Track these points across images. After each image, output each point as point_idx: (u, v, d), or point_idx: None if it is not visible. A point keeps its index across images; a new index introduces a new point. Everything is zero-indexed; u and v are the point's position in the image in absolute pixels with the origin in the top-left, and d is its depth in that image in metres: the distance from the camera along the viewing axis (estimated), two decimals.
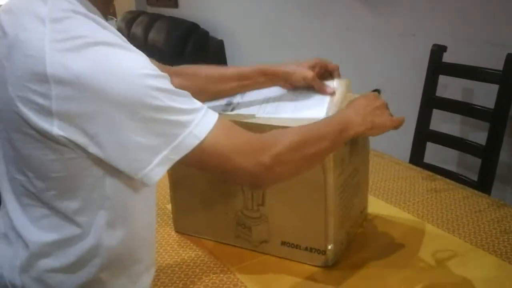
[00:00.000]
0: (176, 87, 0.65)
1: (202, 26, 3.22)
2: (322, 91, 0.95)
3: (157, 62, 0.98)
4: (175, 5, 3.68)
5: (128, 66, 0.61)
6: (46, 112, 0.60)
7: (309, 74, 0.94)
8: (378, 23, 2.01)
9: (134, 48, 0.64)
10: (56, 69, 0.58)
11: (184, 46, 3.14)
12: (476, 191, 1.19)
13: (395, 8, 1.93)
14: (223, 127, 0.67)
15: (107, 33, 0.63)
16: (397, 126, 0.85)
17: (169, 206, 1.08)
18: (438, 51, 1.59)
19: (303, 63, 0.96)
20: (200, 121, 0.64)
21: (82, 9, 0.63)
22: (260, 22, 2.80)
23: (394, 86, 1.88)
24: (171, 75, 0.90)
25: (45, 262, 0.69)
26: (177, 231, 1.06)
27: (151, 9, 4.05)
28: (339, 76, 0.99)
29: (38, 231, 0.69)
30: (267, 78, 0.96)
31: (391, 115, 0.86)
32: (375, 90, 0.92)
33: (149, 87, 0.61)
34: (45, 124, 0.61)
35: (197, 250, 0.99)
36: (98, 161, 0.64)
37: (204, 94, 0.92)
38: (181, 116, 0.63)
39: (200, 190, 1.00)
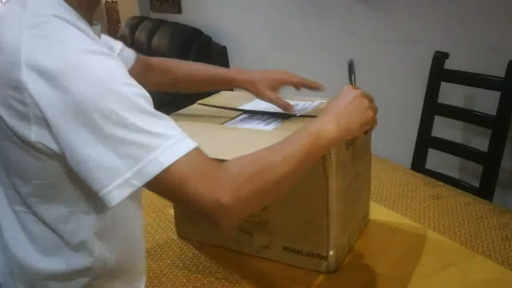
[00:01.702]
0: (145, 82, 0.63)
1: (205, 32, 3.24)
2: (286, 109, 0.98)
3: (131, 50, 1.01)
4: (179, 11, 3.70)
5: (102, 74, 0.59)
6: (25, 119, 0.60)
7: (272, 96, 0.98)
8: (381, 29, 2.02)
9: (113, 55, 0.62)
10: (30, 76, 0.57)
11: (187, 52, 3.15)
12: (478, 198, 1.19)
13: (397, 15, 1.93)
14: (192, 158, 0.61)
15: (86, 38, 0.61)
16: (373, 124, 0.79)
17: (172, 212, 1.09)
18: (440, 57, 1.60)
19: (266, 81, 0.98)
20: (169, 148, 0.59)
21: (63, 14, 0.62)
22: (263, 28, 2.81)
23: (396, 92, 1.88)
24: (143, 67, 0.91)
25: (35, 270, 0.69)
26: (179, 237, 1.06)
27: (154, 15, 4.07)
28: (314, 86, 1.01)
29: (26, 238, 0.69)
30: (232, 85, 1.02)
31: (372, 107, 0.78)
32: (349, 64, 0.89)
33: (120, 98, 0.58)
34: (25, 131, 0.60)
35: (200, 255, 0.99)
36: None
37: (171, 89, 1.01)
38: (149, 139, 0.59)
39: None
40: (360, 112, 0.76)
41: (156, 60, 1.04)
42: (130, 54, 0.99)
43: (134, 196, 0.66)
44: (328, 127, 0.72)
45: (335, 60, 2.28)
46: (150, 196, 1.27)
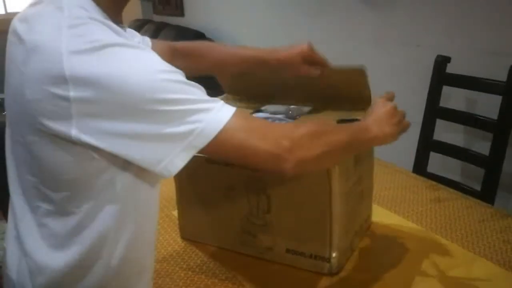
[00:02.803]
0: (180, 68, 0.67)
1: (207, 34, 3.25)
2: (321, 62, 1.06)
3: (160, 41, 1.02)
4: (181, 14, 3.71)
5: (144, 64, 0.63)
6: (65, 114, 0.61)
7: (300, 65, 1.02)
8: (383, 32, 2.02)
9: (148, 49, 0.66)
10: (74, 70, 0.60)
11: None
12: (479, 201, 1.20)
13: (399, 18, 1.94)
14: (241, 115, 0.68)
15: (122, 37, 0.64)
16: (407, 127, 0.90)
17: (175, 213, 1.10)
18: (442, 61, 1.61)
19: (293, 50, 1.03)
20: (220, 109, 0.65)
21: (98, 16, 0.65)
22: (265, 30, 2.82)
23: (398, 96, 1.88)
24: (176, 55, 0.92)
25: (51, 267, 0.70)
26: (182, 238, 1.07)
27: (157, 18, 4.08)
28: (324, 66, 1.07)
29: (42, 238, 0.69)
30: (260, 66, 1.01)
31: (400, 112, 0.89)
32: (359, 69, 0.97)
33: (167, 81, 0.63)
34: (63, 126, 0.62)
35: (203, 256, 1.00)
36: (111, 161, 0.65)
37: (204, 73, 0.99)
38: (202, 104, 0.64)
39: (206, 197, 1.02)
40: (394, 120, 0.86)
41: (184, 46, 1.05)
42: (146, 40, 0.99)
43: (154, 192, 0.73)
44: (372, 127, 0.82)
45: (336, 62, 2.28)
46: None
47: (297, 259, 0.93)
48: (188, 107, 0.63)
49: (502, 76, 1.44)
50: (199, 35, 3.25)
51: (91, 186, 0.67)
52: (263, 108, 1.08)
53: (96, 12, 0.66)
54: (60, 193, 0.67)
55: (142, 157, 0.64)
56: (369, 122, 0.83)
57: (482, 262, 0.94)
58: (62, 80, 0.60)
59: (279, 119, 1.01)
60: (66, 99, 0.60)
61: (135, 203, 0.71)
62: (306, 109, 1.05)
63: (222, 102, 0.67)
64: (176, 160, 0.64)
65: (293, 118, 1.02)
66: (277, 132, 0.71)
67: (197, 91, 0.66)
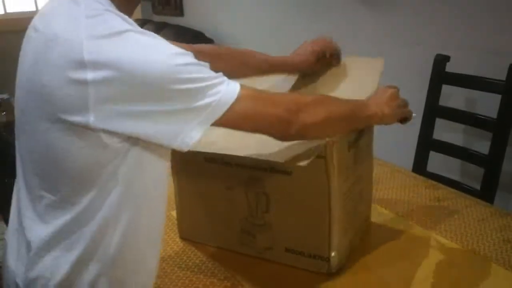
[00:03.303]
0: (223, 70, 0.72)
1: (207, 34, 3.25)
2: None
3: (175, 43, 1.03)
4: (181, 13, 3.71)
5: (160, 47, 0.66)
6: (83, 100, 0.63)
7: (313, 61, 1.13)
8: (382, 31, 2.02)
9: (159, 37, 0.69)
10: (93, 54, 0.62)
11: None
12: (479, 200, 1.20)
13: (399, 17, 1.94)
14: (249, 88, 0.72)
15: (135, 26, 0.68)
16: (409, 114, 0.95)
17: (174, 213, 1.09)
18: (441, 60, 1.60)
19: (307, 48, 1.17)
20: (230, 83, 0.70)
21: (112, 9, 0.68)
22: (265, 30, 2.82)
23: None
24: (205, 57, 0.94)
25: (50, 259, 0.70)
26: (181, 237, 1.07)
27: (157, 18, 4.08)
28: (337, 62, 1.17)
29: (43, 224, 0.70)
30: (281, 70, 1.12)
31: (410, 112, 0.95)
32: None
33: (181, 63, 0.66)
34: (81, 112, 0.63)
35: (202, 256, 1.00)
36: (119, 151, 0.67)
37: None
38: (210, 81, 0.67)
39: (205, 197, 1.01)
40: (394, 103, 0.92)
41: (210, 48, 1.12)
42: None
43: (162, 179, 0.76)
44: (371, 106, 0.88)
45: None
46: None
47: (296, 258, 0.93)
48: (203, 84, 0.67)
49: (502, 75, 1.44)
50: (198, 35, 3.25)
51: (97, 175, 0.68)
52: None
53: (110, 7, 0.69)
54: (65, 183, 0.68)
55: (160, 135, 0.67)
56: (369, 101, 0.90)
57: (482, 261, 0.94)
58: (81, 64, 0.62)
59: None
60: (84, 83, 0.62)
61: (135, 193, 0.72)
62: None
63: (225, 77, 0.71)
64: (193, 133, 0.67)
65: None
66: (285, 98, 0.78)
67: (206, 69, 0.69)
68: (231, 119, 0.70)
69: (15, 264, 0.74)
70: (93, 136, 0.65)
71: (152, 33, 0.68)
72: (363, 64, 1.12)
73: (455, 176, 1.63)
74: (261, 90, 0.77)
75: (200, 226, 1.04)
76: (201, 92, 0.67)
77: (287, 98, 0.79)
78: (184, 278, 0.93)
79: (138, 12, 4.24)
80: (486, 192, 1.43)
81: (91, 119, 0.63)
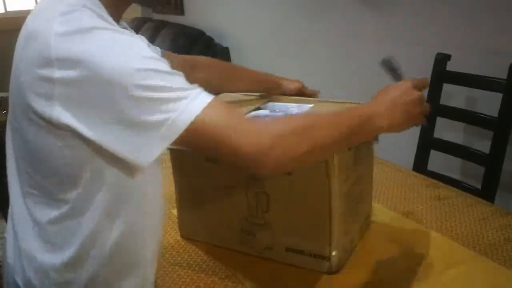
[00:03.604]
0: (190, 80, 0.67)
1: (207, 33, 3.24)
2: (312, 95, 1.11)
3: (170, 53, 1.03)
4: (181, 12, 3.71)
5: (128, 48, 0.63)
6: (49, 97, 0.62)
7: (299, 84, 1.12)
8: (384, 31, 2.02)
9: (136, 35, 0.66)
10: (59, 51, 0.61)
11: (189, 53, 3.15)
12: (479, 199, 1.20)
13: (400, 17, 1.94)
14: (219, 106, 0.64)
15: (110, 25, 0.66)
16: (419, 121, 0.82)
17: (175, 212, 1.09)
18: (442, 59, 1.60)
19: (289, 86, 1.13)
20: (195, 99, 0.63)
21: (93, 7, 0.66)
22: (265, 29, 2.82)
23: None
24: (186, 66, 0.93)
25: (44, 258, 0.70)
26: (182, 237, 1.07)
27: (157, 16, 4.08)
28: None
29: (33, 227, 0.70)
30: (267, 88, 1.11)
31: (422, 102, 0.80)
32: (386, 62, 0.91)
33: (147, 68, 0.62)
34: (48, 108, 0.63)
35: (203, 255, 1.00)
36: (98, 148, 0.65)
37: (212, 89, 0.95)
38: (175, 93, 0.62)
39: (206, 196, 1.01)
40: (408, 109, 0.78)
41: (193, 58, 1.10)
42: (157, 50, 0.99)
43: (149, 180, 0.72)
44: (378, 116, 0.74)
45: (337, 62, 2.28)
46: None
47: (297, 257, 0.93)
48: (164, 95, 0.61)
49: (503, 74, 1.44)
50: (198, 34, 3.24)
51: (78, 174, 0.67)
52: (262, 106, 1.08)
53: (93, 5, 0.67)
54: (49, 179, 0.68)
55: (117, 143, 0.63)
56: (376, 107, 0.75)
57: (482, 260, 0.94)
58: (49, 61, 0.61)
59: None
60: (51, 80, 0.62)
61: (126, 194, 0.71)
62: (307, 106, 1.05)
63: (199, 90, 0.65)
64: (150, 150, 0.63)
65: None
66: (256, 127, 0.66)
67: (176, 79, 0.64)
68: (191, 142, 0.64)
69: (13, 262, 0.74)
70: (66, 135, 0.64)
71: (128, 32, 0.66)
72: None
73: (455, 175, 1.63)
74: (232, 111, 0.69)
75: (201, 225, 1.04)
76: (158, 104, 0.61)
77: (259, 128, 0.66)
78: (185, 276, 0.93)
79: (138, 11, 4.23)
80: (487, 191, 1.43)
81: (57, 118, 0.63)
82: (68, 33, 0.62)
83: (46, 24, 0.64)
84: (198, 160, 0.97)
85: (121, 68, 0.61)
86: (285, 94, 1.12)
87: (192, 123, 0.62)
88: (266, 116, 1.02)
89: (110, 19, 0.68)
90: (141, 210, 0.75)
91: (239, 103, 1.09)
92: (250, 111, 1.04)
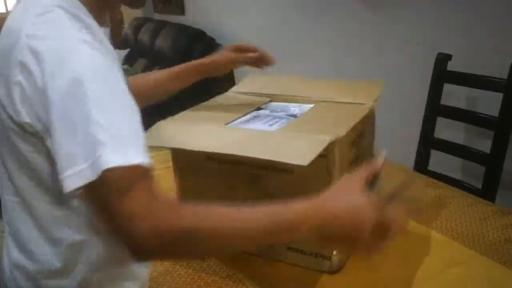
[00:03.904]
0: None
1: (208, 33, 3.24)
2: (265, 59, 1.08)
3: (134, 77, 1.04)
4: (182, 12, 3.71)
5: (83, 62, 0.59)
6: (16, 99, 0.62)
7: (232, 55, 1.07)
8: (384, 30, 2.02)
9: (104, 51, 0.63)
10: (23, 53, 0.61)
11: (190, 53, 3.16)
12: (480, 199, 1.20)
13: (400, 16, 1.94)
14: (143, 173, 0.58)
15: (80, 29, 0.63)
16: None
17: None
18: (443, 59, 1.60)
19: (225, 48, 1.10)
20: (117, 150, 0.56)
21: (68, 7, 0.65)
22: (266, 29, 2.82)
23: (399, 94, 1.89)
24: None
25: (31, 263, 0.70)
26: None
27: (158, 16, 4.08)
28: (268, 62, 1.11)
29: (14, 228, 0.71)
30: (198, 71, 1.08)
31: (379, 232, 0.62)
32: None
33: (91, 90, 0.58)
34: (15, 112, 0.63)
35: None
36: None
37: (142, 99, 0.86)
38: (107, 135, 0.56)
39: (207, 196, 1.01)
40: (351, 235, 0.62)
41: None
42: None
43: None
44: (305, 230, 0.61)
45: (338, 61, 2.28)
46: None
47: (298, 257, 0.93)
48: (93, 128, 0.56)
49: (503, 74, 1.44)
50: (199, 34, 3.25)
51: (47, 180, 0.66)
52: (263, 106, 1.08)
53: (70, 4, 0.66)
54: (22, 185, 0.68)
55: (54, 155, 0.59)
56: (309, 218, 0.61)
57: (483, 260, 0.94)
58: (16, 63, 0.62)
59: (280, 117, 1.01)
60: (18, 83, 0.62)
61: None
62: (308, 107, 1.05)
63: (131, 143, 0.58)
64: (68, 180, 0.57)
65: (294, 116, 1.01)
66: (147, 214, 0.56)
67: (118, 118, 0.58)
68: (98, 189, 0.56)
69: (8, 270, 0.74)
70: (32, 139, 0.64)
71: (96, 45, 0.62)
72: (356, 91, 1.07)
73: (456, 175, 1.63)
74: (144, 183, 0.59)
75: None
76: (95, 132, 0.56)
77: (152, 215, 0.57)
78: (186, 276, 0.93)
79: (138, 10, 4.23)
80: (488, 191, 1.43)
81: (21, 116, 0.62)
82: (34, 36, 0.62)
83: (19, 25, 0.64)
84: (200, 160, 0.97)
85: (68, 82, 0.58)
86: (233, 66, 1.12)
87: (104, 173, 0.55)
88: (267, 116, 1.02)
89: (89, 19, 0.67)
90: None
91: (240, 103, 1.09)
92: (251, 111, 1.04)
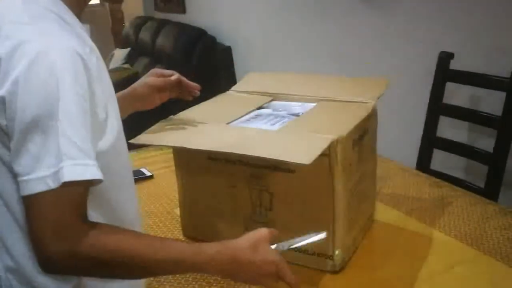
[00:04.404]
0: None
1: (209, 32, 3.24)
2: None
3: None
4: (183, 11, 3.71)
5: (59, 73, 0.62)
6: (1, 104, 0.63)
7: (150, 79, 1.00)
8: (386, 29, 2.02)
9: (83, 58, 0.65)
10: (4, 59, 0.63)
11: (191, 52, 3.16)
12: (483, 198, 1.20)
13: (402, 15, 1.93)
14: (77, 194, 0.63)
15: (71, 31, 0.67)
16: None
17: (178, 211, 1.09)
18: (445, 58, 1.60)
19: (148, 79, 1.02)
20: (79, 164, 0.62)
21: (52, 7, 0.67)
22: (267, 28, 2.82)
23: (401, 93, 1.88)
24: None
25: (26, 265, 0.69)
26: (185, 235, 1.07)
27: (159, 15, 4.08)
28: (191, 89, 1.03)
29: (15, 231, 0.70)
30: (128, 102, 1.00)
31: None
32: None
33: (58, 107, 0.61)
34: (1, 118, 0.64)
35: None
36: None
37: None
38: (72, 149, 0.62)
39: (209, 195, 1.01)
40: (257, 282, 0.72)
41: None
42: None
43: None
44: (212, 271, 0.70)
45: (339, 59, 2.28)
46: (153, 194, 1.27)
47: (300, 256, 0.93)
48: (56, 140, 0.61)
49: (506, 72, 1.43)
50: (200, 32, 3.24)
51: None
52: (265, 105, 1.08)
53: (55, 6, 0.68)
54: (10, 184, 0.68)
55: (13, 155, 0.63)
56: (213, 268, 0.69)
57: (485, 259, 0.94)
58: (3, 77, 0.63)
59: (281, 117, 1.00)
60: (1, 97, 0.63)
61: (96, 206, 0.70)
62: (310, 105, 1.04)
63: (70, 163, 0.61)
64: (29, 185, 0.61)
65: (296, 115, 1.01)
66: (69, 236, 0.61)
67: (81, 134, 0.63)
68: (30, 206, 0.62)
69: (3, 275, 0.74)
70: (5, 140, 0.65)
71: (78, 52, 0.65)
72: (361, 87, 1.07)
73: (459, 174, 1.62)
74: (80, 204, 0.64)
75: (204, 224, 1.04)
76: (59, 143, 0.61)
77: (73, 239, 0.61)
78: (187, 275, 0.93)
79: (140, 9, 4.24)
80: (490, 190, 1.42)
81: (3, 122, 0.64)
82: (17, 35, 0.63)
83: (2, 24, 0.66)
84: (201, 159, 0.97)
85: (38, 98, 0.61)
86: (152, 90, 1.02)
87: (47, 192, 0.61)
88: (269, 115, 1.02)
89: (70, 18, 0.69)
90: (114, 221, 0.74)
91: (242, 103, 1.09)
92: (252, 110, 1.04)
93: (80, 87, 0.64)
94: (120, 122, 0.77)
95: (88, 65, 0.66)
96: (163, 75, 1.02)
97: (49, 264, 0.63)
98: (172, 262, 0.66)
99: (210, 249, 0.69)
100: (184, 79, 1.03)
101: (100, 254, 0.62)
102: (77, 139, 0.62)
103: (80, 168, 0.62)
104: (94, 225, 0.65)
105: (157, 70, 1.03)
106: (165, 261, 0.66)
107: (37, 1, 0.68)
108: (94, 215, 0.69)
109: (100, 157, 0.67)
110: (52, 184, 0.60)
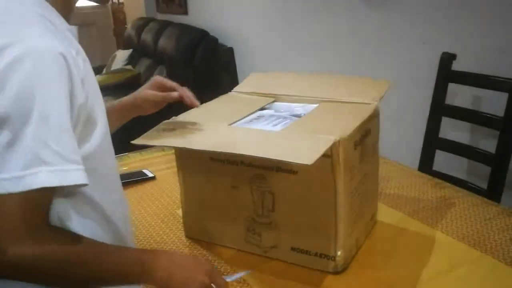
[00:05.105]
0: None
1: (211, 33, 3.24)
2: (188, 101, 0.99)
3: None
4: (185, 12, 3.71)
5: (41, 75, 0.62)
6: None
7: (152, 94, 1.00)
8: (388, 30, 2.01)
9: (66, 61, 0.65)
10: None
11: (193, 53, 3.16)
12: (485, 199, 1.19)
13: (404, 16, 1.93)
14: (41, 200, 0.63)
15: (57, 34, 0.66)
16: None
17: (180, 212, 1.09)
18: (447, 59, 1.60)
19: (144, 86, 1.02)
20: (41, 175, 0.61)
21: (42, 11, 0.68)
22: (269, 29, 2.82)
23: (403, 94, 1.88)
24: None
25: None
26: (187, 236, 1.07)
27: (161, 16, 4.08)
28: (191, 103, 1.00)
29: None
30: (119, 115, 1.01)
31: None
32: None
33: (38, 111, 0.61)
34: None
35: (208, 255, 1.00)
36: None
37: None
38: (49, 154, 0.61)
39: (211, 196, 1.01)
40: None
41: None
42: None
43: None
44: (156, 273, 0.71)
45: (340, 60, 2.28)
46: (156, 195, 1.27)
47: (302, 257, 0.93)
48: (34, 143, 0.60)
49: (509, 73, 1.43)
50: (202, 33, 3.25)
51: None
52: (267, 106, 1.08)
53: (44, 9, 0.68)
54: None
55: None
56: (154, 273, 0.70)
57: (488, 260, 0.94)
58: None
59: (284, 118, 1.00)
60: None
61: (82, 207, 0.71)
62: (312, 106, 1.04)
63: (40, 171, 0.61)
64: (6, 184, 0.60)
65: (298, 116, 1.01)
66: (21, 237, 0.61)
67: (58, 144, 0.62)
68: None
69: None
70: None
71: (64, 55, 0.65)
72: (362, 88, 1.07)
73: (461, 175, 1.62)
74: (44, 212, 0.64)
75: (206, 225, 1.04)
76: (38, 146, 0.60)
77: (22, 236, 0.61)
78: None
79: (142, 10, 4.24)
80: (493, 191, 1.42)
81: None
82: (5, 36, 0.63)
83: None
84: (203, 160, 0.97)
85: (19, 101, 0.61)
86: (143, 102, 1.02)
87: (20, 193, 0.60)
88: (271, 116, 1.02)
89: (57, 19, 0.69)
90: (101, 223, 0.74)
91: (244, 104, 1.09)
92: (254, 111, 1.04)
93: (61, 88, 0.63)
94: (107, 125, 0.77)
95: (72, 66, 0.66)
96: (166, 87, 1.01)
97: (3, 266, 0.61)
98: (117, 264, 0.68)
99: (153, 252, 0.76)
100: (185, 93, 1.00)
101: (52, 260, 0.62)
102: (53, 143, 0.62)
103: (54, 174, 0.61)
104: (56, 229, 0.65)
105: (159, 81, 1.02)
106: (109, 263, 0.67)
107: (22, 2, 0.68)
108: (83, 219, 0.70)
109: (87, 160, 0.66)
110: (11, 189, 0.60)
